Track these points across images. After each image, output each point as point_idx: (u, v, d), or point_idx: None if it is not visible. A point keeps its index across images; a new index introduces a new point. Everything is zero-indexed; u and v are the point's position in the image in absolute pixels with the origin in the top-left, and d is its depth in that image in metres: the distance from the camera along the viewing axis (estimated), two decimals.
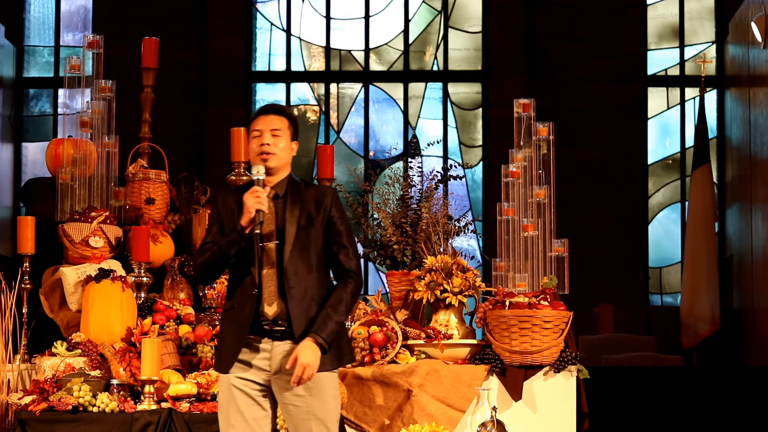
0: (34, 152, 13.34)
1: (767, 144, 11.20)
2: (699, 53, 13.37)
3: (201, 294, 7.43)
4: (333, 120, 13.60)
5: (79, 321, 7.10)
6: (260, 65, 13.60)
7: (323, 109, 13.60)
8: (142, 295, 7.37)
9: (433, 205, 7.48)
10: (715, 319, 12.11)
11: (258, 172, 5.11)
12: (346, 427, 6.56)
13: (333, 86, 13.63)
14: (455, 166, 13.01)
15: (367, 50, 13.62)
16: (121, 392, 6.48)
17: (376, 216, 7.63)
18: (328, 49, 13.63)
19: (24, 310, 7.11)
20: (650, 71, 13.46)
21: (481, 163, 13.36)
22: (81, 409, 6.33)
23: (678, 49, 13.55)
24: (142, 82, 8.39)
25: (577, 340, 7.18)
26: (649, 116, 13.44)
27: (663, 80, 13.53)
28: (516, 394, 6.75)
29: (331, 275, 5.31)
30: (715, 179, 12.85)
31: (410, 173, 7.73)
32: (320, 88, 13.65)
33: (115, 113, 7.93)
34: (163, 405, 6.39)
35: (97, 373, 6.63)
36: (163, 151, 8.07)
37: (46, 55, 13.58)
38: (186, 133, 12.79)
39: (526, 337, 6.71)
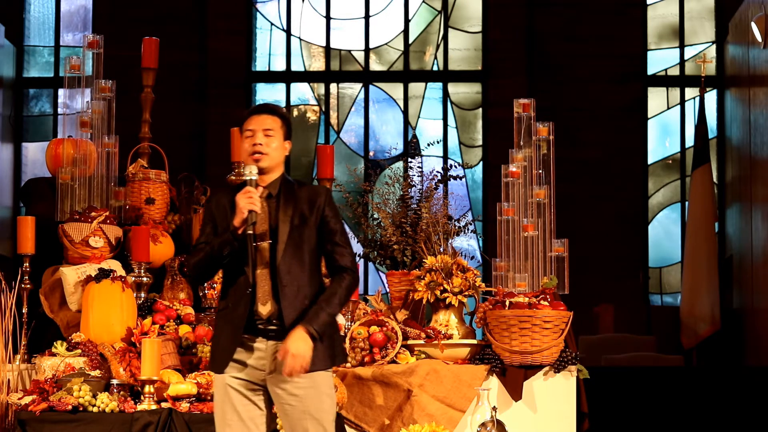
0: (34, 152, 13.33)
1: (767, 144, 11.20)
2: (699, 53, 13.37)
3: (201, 294, 7.43)
4: (333, 120, 13.60)
5: (79, 321, 7.10)
6: (260, 65, 13.60)
7: (323, 109, 13.60)
8: (142, 295, 7.37)
9: (433, 205, 7.49)
10: (715, 319, 12.10)
11: (250, 172, 5.11)
12: (346, 427, 6.56)
13: (333, 86, 13.63)
14: (455, 166, 13.01)
15: (367, 50, 13.62)
16: (121, 392, 6.48)
17: (376, 216, 7.64)
18: (328, 49, 13.63)
19: (24, 310, 7.12)
20: (650, 71, 13.46)
21: (481, 163, 13.36)
22: (81, 409, 6.33)
23: (678, 49, 13.54)
24: (142, 82, 8.39)
25: (577, 340, 7.18)
26: (649, 116, 13.44)
27: (663, 80, 13.53)
28: (516, 394, 6.75)
29: (325, 276, 5.32)
30: (715, 179, 12.85)
31: (410, 173, 7.73)
32: (320, 88, 13.66)
33: (115, 113, 7.93)
34: (163, 405, 6.40)
35: (97, 373, 6.63)
36: (163, 151, 8.07)
37: (46, 55, 13.58)
38: (186, 133, 12.79)
39: (526, 337, 6.71)
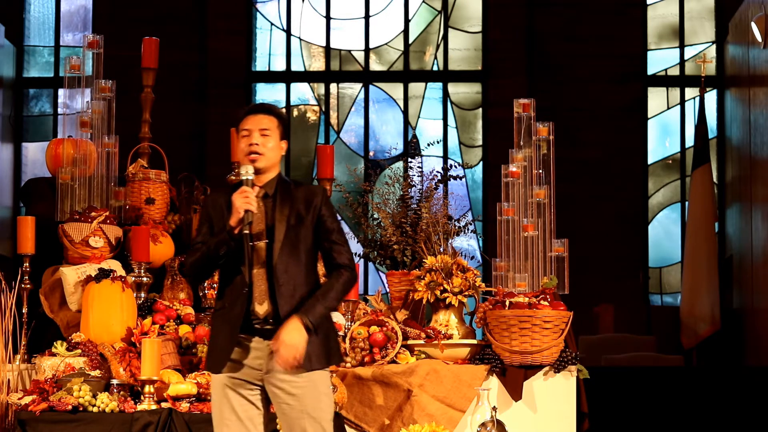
0: (34, 152, 13.33)
1: (767, 144, 11.20)
2: (699, 53, 13.37)
3: (201, 294, 7.43)
4: (333, 120, 13.60)
5: (79, 321, 7.10)
6: (260, 65, 13.60)
7: (323, 109, 13.60)
8: (142, 295, 7.37)
9: (433, 205, 7.49)
10: (715, 319, 12.10)
11: (246, 172, 5.12)
12: (346, 427, 6.56)
13: (333, 86, 13.63)
14: (455, 166, 13.01)
15: (367, 50, 13.62)
16: (121, 392, 6.48)
17: (376, 216, 7.64)
18: (328, 49, 13.63)
19: (24, 310, 7.11)
20: (650, 71, 13.46)
21: (481, 163, 13.36)
22: (81, 409, 6.33)
23: (678, 49, 13.54)
24: (142, 82, 8.39)
25: (577, 340, 7.18)
26: (649, 116, 13.44)
27: (663, 80, 13.53)
28: (516, 394, 6.75)
29: (323, 276, 5.32)
30: (715, 179, 12.85)
31: (410, 173, 7.73)
32: (320, 88, 13.66)
33: (115, 113, 7.93)
34: (163, 405, 6.39)
35: (97, 373, 6.63)
36: (163, 151, 8.07)
37: (46, 55, 13.58)
38: (186, 133, 12.79)
39: (526, 337, 6.72)
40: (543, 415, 6.80)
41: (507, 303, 6.79)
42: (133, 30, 11.32)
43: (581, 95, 13.12)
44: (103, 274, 7.04)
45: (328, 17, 13.64)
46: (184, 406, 6.38)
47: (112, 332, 6.90)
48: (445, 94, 13.55)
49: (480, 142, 13.42)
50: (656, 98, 13.51)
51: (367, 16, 13.65)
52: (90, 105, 7.88)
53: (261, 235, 5.12)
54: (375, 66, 13.64)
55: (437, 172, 7.68)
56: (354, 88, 13.63)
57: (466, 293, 7.03)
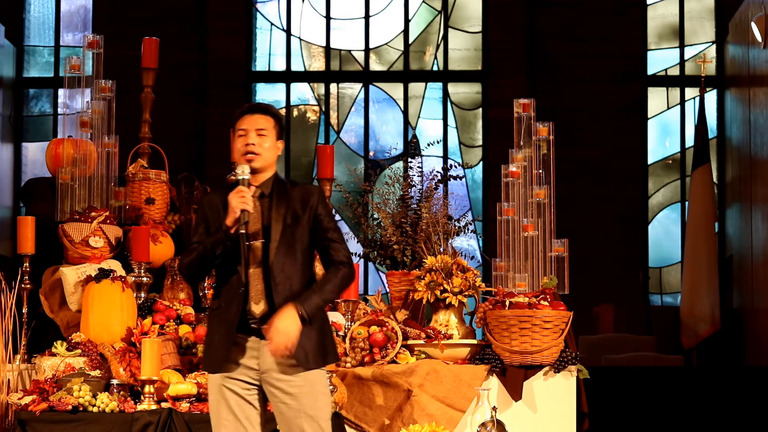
0: (34, 152, 13.33)
1: (767, 144, 11.20)
2: (699, 53, 13.37)
3: (201, 294, 7.43)
4: (333, 120, 13.60)
5: (79, 321, 7.09)
6: (260, 65, 13.60)
7: (323, 109, 13.60)
8: (142, 295, 7.37)
9: (433, 205, 7.49)
10: (715, 319, 12.10)
11: (243, 171, 5.12)
12: (346, 427, 6.56)
13: (333, 86, 13.63)
14: (455, 166, 13.01)
15: (367, 50, 13.62)
16: (121, 392, 6.47)
17: (376, 216, 7.64)
18: (328, 49, 13.63)
19: (24, 310, 7.11)
20: (650, 71, 13.46)
21: (481, 163, 13.36)
22: (81, 409, 6.33)
23: (678, 49, 13.54)
24: (142, 82, 8.39)
25: (577, 340, 7.18)
26: (649, 116, 13.44)
27: (663, 80, 13.53)
28: (516, 394, 6.75)
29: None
30: (715, 179, 12.85)
31: (410, 173, 7.73)
32: (320, 88, 13.66)
33: (115, 113, 7.93)
34: (163, 405, 6.39)
35: (97, 373, 6.63)
36: (163, 151, 8.07)
37: (46, 55, 13.58)
38: (186, 133, 12.79)
39: (526, 337, 6.72)
40: (543, 415, 6.80)
41: (507, 303, 6.80)
42: (133, 30, 11.32)
43: (581, 95, 13.12)
44: (103, 274, 7.04)
45: (328, 17, 13.64)
46: (184, 406, 6.38)
47: (112, 332, 6.90)
48: (445, 94, 13.55)
49: (480, 142, 13.42)
50: (656, 98, 13.51)
51: (367, 16, 13.65)
52: (90, 105, 7.88)
53: (257, 234, 5.12)
54: (375, 66, 13.64)
55: (437, 172, 7.68)
56: (354, 88, 13.63)
57: (466, 293, 7.03)
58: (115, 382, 6.50)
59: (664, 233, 13.42)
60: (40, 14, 13.60)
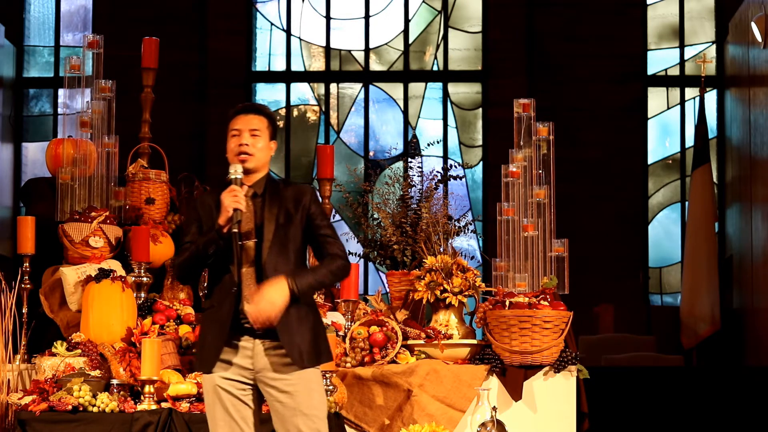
0: (34, 152, 13.33)
1: (767, 144, 11.20)
2: (699, 53, 13.37)
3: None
4: (333, 120, 13.60)
5: (79, 321, 7.09)
6: (260, 65, 13.60)
7: (323, 109, 13.60)
8: (142, 295, 7.37)
9: (433, 205, 7.49)
10: (715, 319, 12.10)
11: (235, 171, 5.12)
12: (346, 427, 6.56)
13: (333, 86, 13.63)
14: (455, 166, 13.01)
15: (367, 50, 13.62)
16: (121, 392, 6.47)
17: (376, 216, 7.64)
18: (328, 49, 13.63)
19: (24, 310, 7.11)
20: (650, 71, 13.46)
21: (481, 163, 13.36)
22: (81, 409, 6.33)
23: (678, 49, 13.54)
24: (142, 82, 8.39)
25: (577, 340, 7.18)
26: (649, 116, 13.44)
27: (663, 80, 13.53)
28: (516, 394, 6.75)
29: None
30: (715, 179, 12.85)
31: (410, 173, 7.73)
32: (320, 88, 13.65)
33: (115, 113, 7.93)
34: (163, 405, 6.39)
35: (97, 373, 6.63)
36: (163, 151, 8.07)
37: (46, 55, 13.58)
38: (186, 133, 12.79)
39: (526, 337, 6.72)
40: (543, 415, 6.80)
41: (507, 303, 6.80)
42: (133, 30, 11.32)
43: (581, 95, 13.12)
44: (103, 274, 7.04)
45: (328, 17, 13.64)
46: (184, 406, 6.38)
47: (112, 332, 6.90)
48: (445, 94, 13.55)
49: (480, 142, 13.42)
50: (656, 98, 13.51)
51: (367, 16, 13.65)
52: (90, 105, 7.88)
53: (250, 234, 5.13)
54: (375, 66, 13.64)
55: (437, 172, 7.68)
56: (354, 88, 13.63)
57: (466, 293, 7.03)
58: (115, 382, 6.50)
59: (664, 233, 13.42)
60: (40, 14, 13.60)
